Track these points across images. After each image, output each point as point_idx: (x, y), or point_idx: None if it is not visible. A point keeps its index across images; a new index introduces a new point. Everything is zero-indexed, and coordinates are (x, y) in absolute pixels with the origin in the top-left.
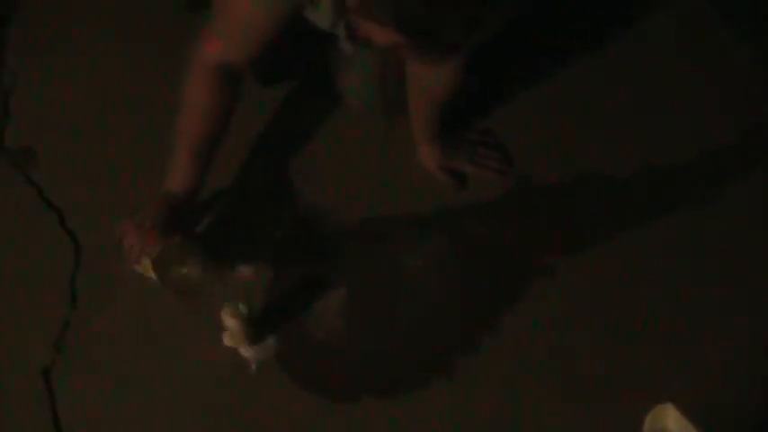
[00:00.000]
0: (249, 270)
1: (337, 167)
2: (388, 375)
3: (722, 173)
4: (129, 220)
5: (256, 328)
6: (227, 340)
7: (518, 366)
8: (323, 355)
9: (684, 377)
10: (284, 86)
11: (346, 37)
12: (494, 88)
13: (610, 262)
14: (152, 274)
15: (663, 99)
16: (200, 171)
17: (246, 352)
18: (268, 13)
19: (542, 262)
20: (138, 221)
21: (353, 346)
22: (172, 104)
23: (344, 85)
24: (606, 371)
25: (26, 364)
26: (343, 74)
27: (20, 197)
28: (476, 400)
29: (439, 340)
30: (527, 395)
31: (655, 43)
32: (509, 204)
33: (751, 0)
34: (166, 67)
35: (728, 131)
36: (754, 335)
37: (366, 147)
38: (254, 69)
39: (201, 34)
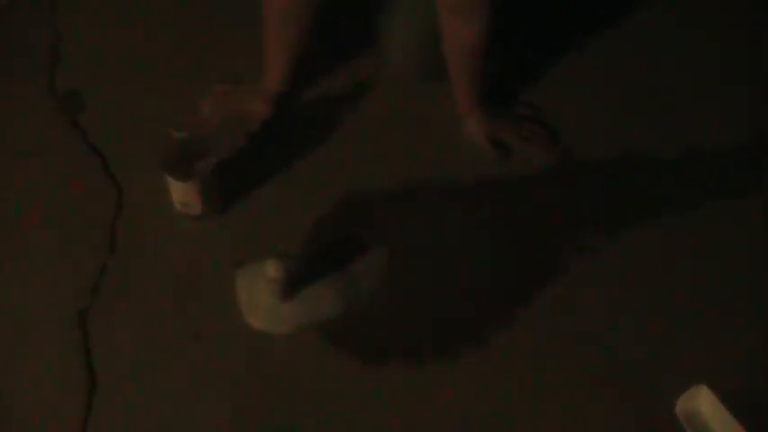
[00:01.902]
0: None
1: (376, 136)
2: (418, 344)
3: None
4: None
5: (293, 286)
6: (265, 295)
7: (550, 346)
8: (356, 319)
9: (721, 361)
10: (328, 51)
11: None
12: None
13: (653, 242)
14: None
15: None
16: (291, 63)
17: (282, 309)
18: None
19: (584, 241)
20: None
21: (386, 312)
22: (222, 51)
23: (388, 52)
24: (641, 351)
25: (62, 306)
26: (388, 41)
27: (65, 140)
28: (506, 375)
29: (471, 314)
30: (558, 373)
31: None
32: (553, 181)
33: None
34: (217, 12)
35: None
36: None
37: (407, 116)
38: None
39: None
